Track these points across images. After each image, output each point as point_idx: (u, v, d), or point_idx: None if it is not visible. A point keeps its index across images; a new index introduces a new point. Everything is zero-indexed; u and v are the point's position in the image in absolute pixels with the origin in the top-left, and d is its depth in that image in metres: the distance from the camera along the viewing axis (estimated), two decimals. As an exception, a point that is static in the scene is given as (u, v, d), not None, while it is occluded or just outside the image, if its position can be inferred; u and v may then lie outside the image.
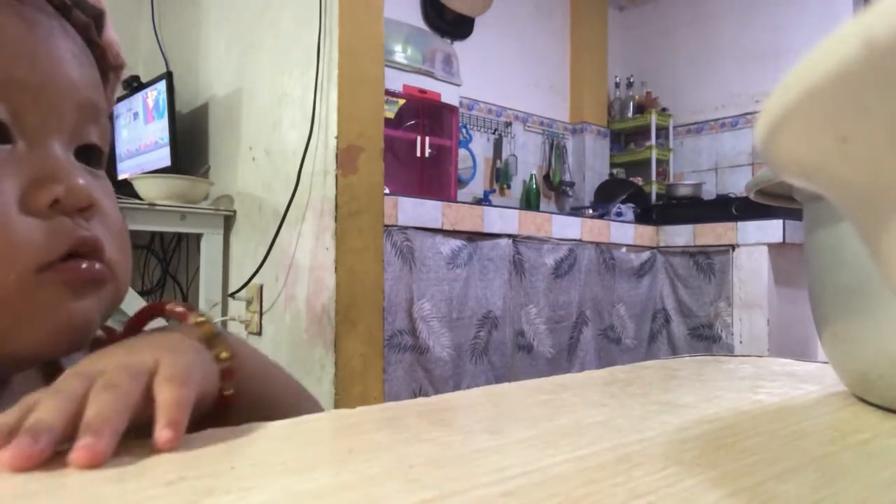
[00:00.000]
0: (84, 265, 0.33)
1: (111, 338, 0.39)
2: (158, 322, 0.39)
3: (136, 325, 0.38)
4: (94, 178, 0.36)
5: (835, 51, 0.11)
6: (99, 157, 0.37)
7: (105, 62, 0.40)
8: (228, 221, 2.00)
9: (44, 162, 0.33)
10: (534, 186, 3.29)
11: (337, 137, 1.63)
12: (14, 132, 0.32)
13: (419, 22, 2.93)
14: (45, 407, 0.24)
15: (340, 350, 1.60)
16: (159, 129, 2.09)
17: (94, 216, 0.34)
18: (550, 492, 0.21)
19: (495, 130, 3.29)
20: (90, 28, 0.38)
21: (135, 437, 0.25)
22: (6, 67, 0.32)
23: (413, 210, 2.03)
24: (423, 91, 2.54)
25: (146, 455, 0.24)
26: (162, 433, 0.25)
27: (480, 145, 3.23)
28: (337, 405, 1.57)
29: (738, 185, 3.28)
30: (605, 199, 3.27)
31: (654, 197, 3.38)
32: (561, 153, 3.52)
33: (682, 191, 3.21)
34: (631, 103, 3.63)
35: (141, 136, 2.20)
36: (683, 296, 2.75)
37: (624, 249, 2.71)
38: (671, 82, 3.66)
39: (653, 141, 3.50)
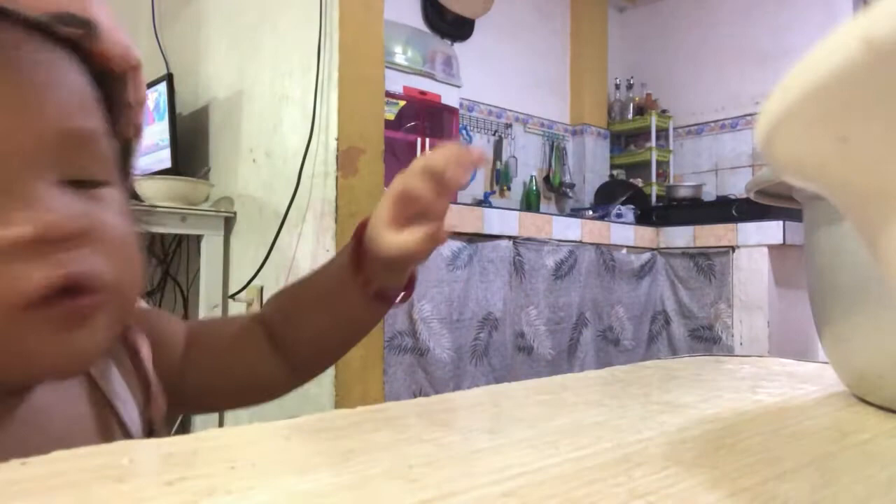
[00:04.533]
0: (73, 300, 0.33)
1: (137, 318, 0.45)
2: None
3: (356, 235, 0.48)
4: (92, 202, 0.35)
5: (834, 51, 0.11)
6: (98, 181, 0.36)
7: (112, 67, 0.40)
8: (229, 223, 2.00)
9: (15, 203, 0.32)
10: (534, 188, 3.29)
11: (337, 139, 1.63)
12: None
13: (419, 23, 2.93)
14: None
15: (340, 351, 1.60)
16: (160, 131, 2.09)
17: (87, 242, 0.34)
18: (550, 492, 0.21)
19: (495, 132, 3.29)
20: (85, 41, 0.37)
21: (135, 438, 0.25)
22: None
23: (413, 211, 2.02)
24: (423, 93, 2.54)
25: (146, 455, 0.24)
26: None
27: (481, 146, 3.23)
28: (337, 406, 1.57)
29: (738, 186, 3.28)
30: (605, 201, 3.27)
31: (654, 198, 3.38)
32: (561, 155, 3.52)
33: (683, 192, 3.21)
34: (631, 105, 3.63)
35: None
36: (684, 297, 2.75)
37: (624, 251, 2.71)
38: (671, 84, 3.66)
39: (653, 142, 3.50)
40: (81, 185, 0.35)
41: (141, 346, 0.45)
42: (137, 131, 0.43)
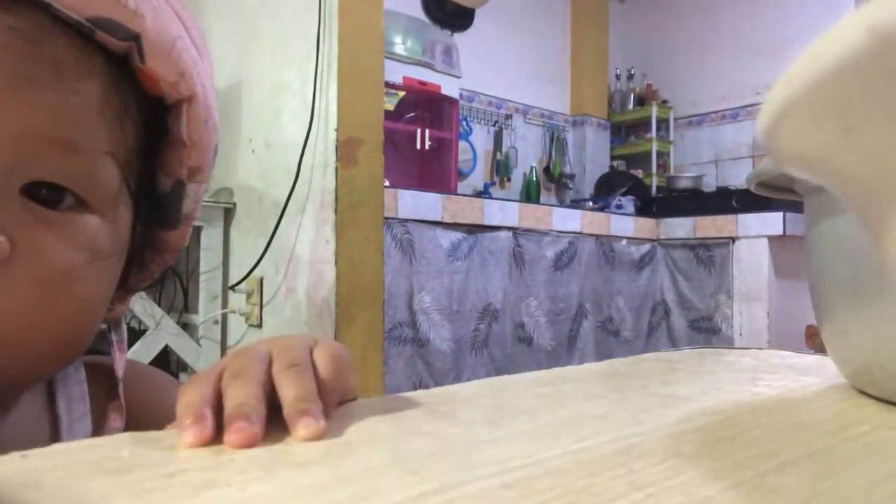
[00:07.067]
0: None
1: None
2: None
3: None
4: (42, 223, 0.31)
5: (839, 41, 0.11)
6: (68, 196, 0.32)
7: (160, 93, 0.34)
8: (228, 214, 2.00)
9: None
10: (534, 179, 3.28)
11: (337, 129, 1.62)
12: None
13: (419, 13, 2.92)
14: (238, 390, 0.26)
15: (341, 342, 1.60)
16: (159, 122, 2.08)
17: (11, 263, 0.30)
18: (550, 484, 0.21)
19: (495, 123, 3.29)
20: (131, 54, 0.32)
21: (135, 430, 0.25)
22: None
23: (413, 202, 2.02)
24: (423, 83, 2.53)
25: (147, 447, 0.24)
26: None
27: (481, 137, 3.22)
28: (337, 397, 1.57)
29: (738, 177, 3.28)
30: (605, 192, 3.27)
31: (654, 189, 3.38)
32: (561, 145, 3.51)
33: (683, 183, 3.21)
34: (631, 95, 3.62)
35: (140, 128, 2.18)
36: (683, 288, 2.75)
37: (624, 242, 2.71)
38: (672, 74, 3.65)
39: (653, 133, 3.49)
40: (51, 203, 0.31)
41: (112, 418, 0.39)
42: (192, 174, 0.37)
